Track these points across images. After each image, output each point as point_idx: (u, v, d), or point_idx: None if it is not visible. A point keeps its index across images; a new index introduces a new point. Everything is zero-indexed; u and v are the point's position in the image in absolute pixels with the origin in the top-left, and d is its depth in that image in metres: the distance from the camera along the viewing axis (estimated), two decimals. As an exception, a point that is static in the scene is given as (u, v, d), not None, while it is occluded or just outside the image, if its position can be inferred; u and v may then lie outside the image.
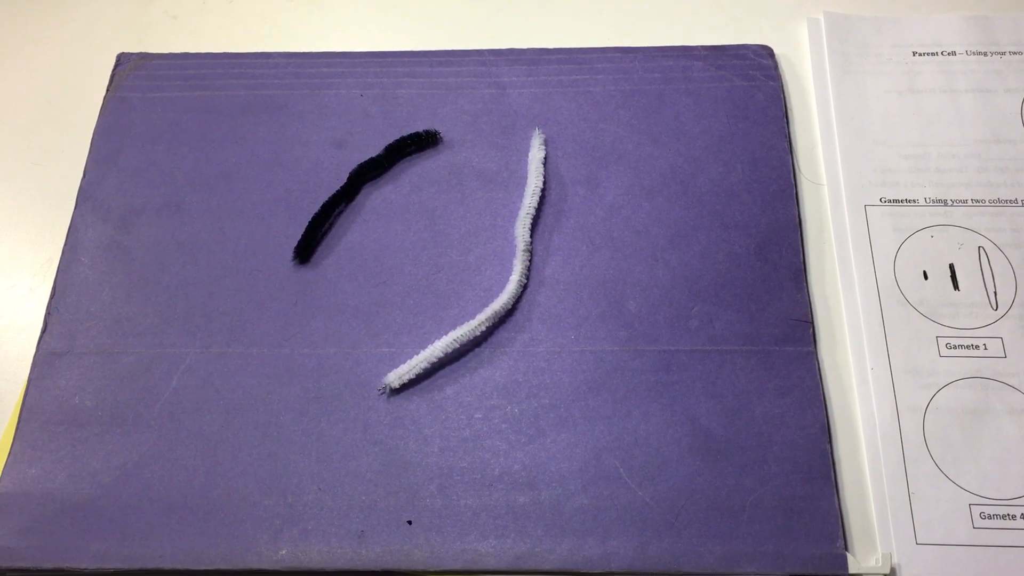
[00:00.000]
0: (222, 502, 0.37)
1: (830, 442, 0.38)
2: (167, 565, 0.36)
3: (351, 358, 0.40)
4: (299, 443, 0.38)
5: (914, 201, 0.43)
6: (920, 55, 0.48)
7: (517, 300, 0.41)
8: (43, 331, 0.41)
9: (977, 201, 0.43)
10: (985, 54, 0.47)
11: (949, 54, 0.48)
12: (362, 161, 0.44)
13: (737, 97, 0.46)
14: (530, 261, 0.42)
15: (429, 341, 0.40)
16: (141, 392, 0.39)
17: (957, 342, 0.40)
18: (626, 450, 0.38)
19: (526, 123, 0.46)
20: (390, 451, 0.38)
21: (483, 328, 0.40)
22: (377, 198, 0.44)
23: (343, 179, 0.44)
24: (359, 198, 0.44)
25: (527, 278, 0.42)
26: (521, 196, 0.44)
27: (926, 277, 0.41)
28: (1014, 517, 0.36)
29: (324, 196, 0.43)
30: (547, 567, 0.36)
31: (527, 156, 0.45)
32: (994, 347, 0.40)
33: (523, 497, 0.37)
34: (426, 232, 0.43)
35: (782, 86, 0.47)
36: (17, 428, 0.39)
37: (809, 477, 0.37)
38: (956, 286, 0.41)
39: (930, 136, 0.45)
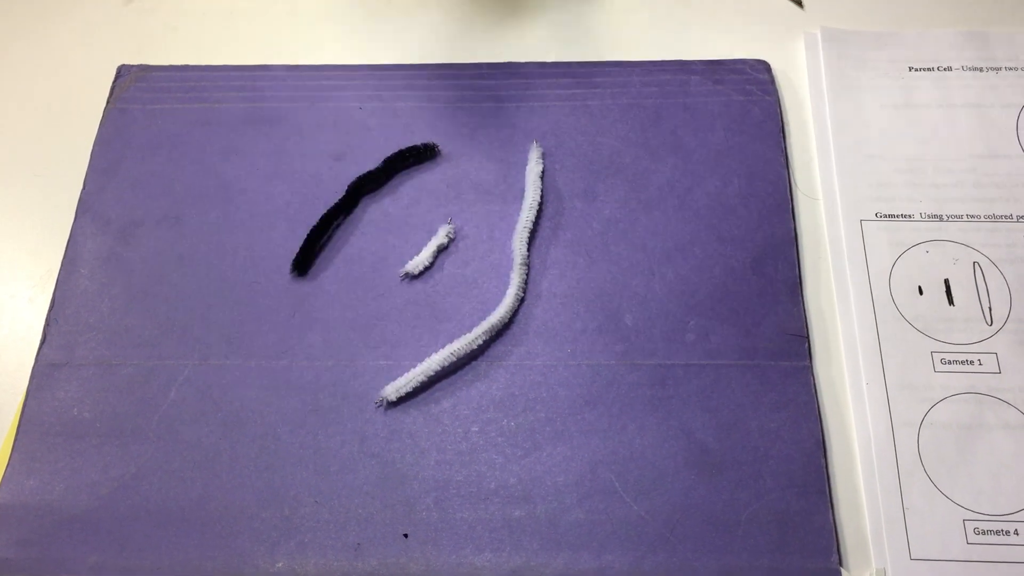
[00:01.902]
0: (219, 514, 0.37)
1: (825, 457, 0.38)
2: (164, 577, 0.36)
3: (348, 371, 0.40)
4: (296, 455, 0.38)
5: (910, 216, 0.43)
6: (916, 70, 0.48)
7: (514, 313, 0.41)
8: (42, 342, 0.41)
9: (972, 216, 0.43)
10: (981, 69, 0.48)
11: (945, 69, 0.48)
12: (361, 174, 0.44)
13: (734, 111, 0.46)
14: (527, 274, 0.42)
15: (426, 354, 0.40)
16: (139, 404, 0.40)
17: (952, 357, 0.40)
18: (622, 464, 0.38)
19: (524, 137, 0.46)
20: (387, 464, 0.38)
21: (480, 341, 0.40)
22: (375, 211, 0.44)
23: (342, 191, 0.44)
24: (357, 211, 0.44)
25: (524, 291, 0.42)
26: (519, 209, 0.44)
27: (921, 292, 0.42)
28: (1008, 533, 0.36)
29: (323, 208, 0.44)
30: (542, 581, 0.36)
31: (525, 169, 0.45)
32: (989, 363, 0.40)
33: (519, 510, 0.37)
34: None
35: (779, 100, 0.47)
36: (15, 439, 0.39)
37: (804, 491, 0.37)
38: (951, 301, 0.41)
39: (926, 151, 0.45)
